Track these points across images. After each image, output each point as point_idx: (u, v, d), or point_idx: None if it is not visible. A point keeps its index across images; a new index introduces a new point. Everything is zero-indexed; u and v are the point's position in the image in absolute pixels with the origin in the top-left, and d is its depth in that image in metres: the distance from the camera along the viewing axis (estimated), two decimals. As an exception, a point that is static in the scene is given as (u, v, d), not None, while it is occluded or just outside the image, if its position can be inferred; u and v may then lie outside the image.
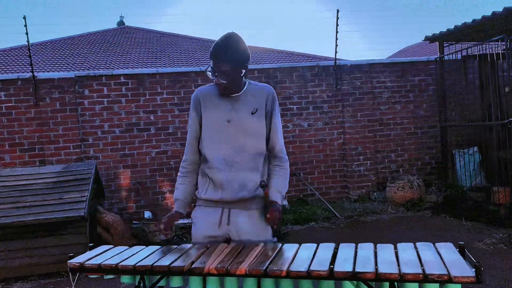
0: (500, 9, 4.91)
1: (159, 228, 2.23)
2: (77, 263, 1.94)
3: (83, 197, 4.55)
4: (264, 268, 1.73)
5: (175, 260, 1.89)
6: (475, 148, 6.30)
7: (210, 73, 2.19)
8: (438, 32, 5.99)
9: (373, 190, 6.99)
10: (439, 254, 1.76)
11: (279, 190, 2.25)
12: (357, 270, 1.63)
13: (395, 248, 1.90)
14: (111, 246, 2.19)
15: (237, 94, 2.23)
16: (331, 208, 6.22)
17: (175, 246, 2.12)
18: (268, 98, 2.26)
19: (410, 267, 1.62)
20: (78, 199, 4.53)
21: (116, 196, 6.40)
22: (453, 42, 6.12)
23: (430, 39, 6.27)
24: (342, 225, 5.82)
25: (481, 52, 5.79)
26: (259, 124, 2.24)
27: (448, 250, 1.80)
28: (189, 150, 2.34)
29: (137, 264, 1.88)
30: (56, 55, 13.48)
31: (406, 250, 1.85)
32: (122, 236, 4.66)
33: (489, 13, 5.17)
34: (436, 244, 1.92)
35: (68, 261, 1.96)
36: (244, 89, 2.25)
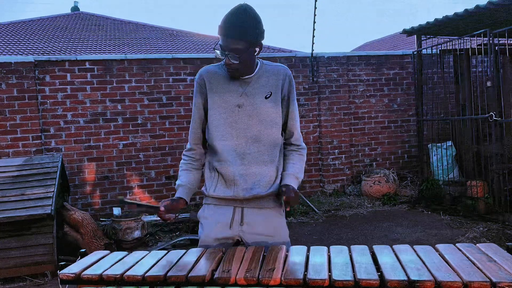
0: (484, 3, 4.90)
1: (159, 214, 1.91)
2: (71, 274, 1.62)
3: (48, 192, 4.13)
4: (302, 276, 1.50)
5: (192, 268, 1.62)
6: (449, 142, 6.34)
7: (219, 52, 1.90)
8: (417, 25, 5.94)
9: (348, 184, 6.91)
10: (491, 258, 1.59)
11: (296, 176, 2.00)
12: (412, 278, 1.42)
13: (436, 250, 1.72)
14: (107, 252, 1.88)
15: (249, 76, 1.96)
16: (309, 203, 6.07)
17: (183, 251, 1.84)
18: (284, 80, 2.00)
19: (472, 274, 1.43)
20: (43, 195, 4.11)
21: (80, 191, 5.94)
22: (430, 36, 6.09)
23: (408, 32, 6.22)
24: (321, 220, 5.69)
25: (460, 46, 5.79)
26: (274, 110, 1.97)
27: (498, 252, 1.64)
28: (193, 140, 2.05)
29: (147, 274, 1.59)
30: (6, 40, 12.55)
31: (452, 252, 1.67)
32: (93, 235, 4.27)
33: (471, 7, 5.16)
34: (478, 245, 1.76)
35: (60, 272, 1.64)
36: (256, 70, 1.98)
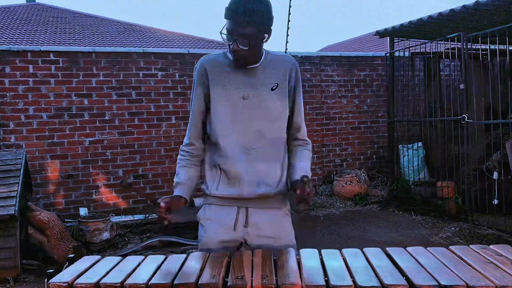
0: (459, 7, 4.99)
1: (158, 211, 1.73)
2: (63, 282, 1.44)
3: (12, 192, 3.83)
4: (324, 282, 1.39)
5: (200, 275, 1.48)
6: (419, 144, 6.45)
7: (225, 36, 1.75)
8: (390, 27, 5.99)
9: (319, 184, 6.90)
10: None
11: (306, 171, 1.87)
12: (443, 283, 1.35)
13: (452, 251, 1.66)
14: (98, 257, 1.70)
15: (254, 66, 1.83)
16: (282, 203, 5.99)
17: (183, 256, 1.69)
18: (292, 71, 1.87)
19: (502, 278, 1.38)
20: (6, 194, 3.81)
21: (42, 191, 5.59)
22: (403, 39, 6.17)
23: (381, 33, 6.27)
24: (295, 220, 5.61)
25: (432, 50, 5.90)
26: (280, 103, 1.84)
27: (516, 254, 1.60)
28: (193, 134, 1.89)
29: (150, 282, 1.43)
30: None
31: (470, 254, 1.61)
32: (61, 237, 4.00)
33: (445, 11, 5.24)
34: (491, 246, 1.72)
35: (50, 281, 1.45)
36: (262, 59, 1.84)
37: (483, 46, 5.32)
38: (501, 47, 5.46)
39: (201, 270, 1.53)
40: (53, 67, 5.59)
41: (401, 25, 5.81)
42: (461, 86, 4.87)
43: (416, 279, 1.38)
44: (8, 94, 5.39)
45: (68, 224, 4.92)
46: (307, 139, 1.97)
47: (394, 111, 6.39)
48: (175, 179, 1.88)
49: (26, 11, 15.49)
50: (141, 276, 1.49)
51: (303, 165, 1.88)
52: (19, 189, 3.84)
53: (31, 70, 5.48)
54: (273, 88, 1.83)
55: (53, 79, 5.59)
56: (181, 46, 12.67)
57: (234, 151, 1.81)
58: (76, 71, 5.70)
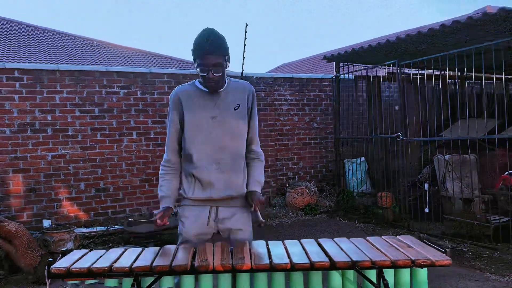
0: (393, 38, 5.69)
1: (156, 224, 2.19)
2: (63, 268, 1.81)
3: (-18, 203, 4.03)
4: (269, 262, 1.84)
5: (173, 259, 1.89)
6: (362, 158, 7.09)
7: (199, 70, 2.17)
8: (336, 53, 6.64)
9: (273, 196, 7.39)
10: (409, 245, 2.06)
11: (258, 180, 2.36)
12: (354, 259, 1.83)
13: (368, 240, 2.16)
14: (86, 250, 2.07)
15: (220, 90, 2.27)
16: (238, 214, 6.41)
17: (158, 248, 2.09)
18: (249, 94, 2.35)
19: (396, 255, 1.88)
20: (-24, 206, 4.00)
21: (4, 204, 5.73)
22: (348, 63, 6.83)
23: (328, 58, 6.91)
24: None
25: (373, 74, 6.58)
26: (241, 121, 2.30)
27: (414, 241, 2.12)
28: (171, 152, 2.34)
29: (134, 265, 1.83)
30: None
31: (380, 241, 2.12)
32: (29, 247, 4.22)
33: (382, 41, 5.94)
34: (398, 236, 2.23)
35: (52, 266, 1.81)
36: (226, 85, 2.29)
37: (417, 71, 6.04)
38: (431, 71, 6.22)
39: (173, 257, 1.94)
40: (17, 84, 5.80)
41: (346, 51, 6.46)
42: (396, 107, 5.53)
43: (336, 257, 1.86)
44: (-29, 109, 5.53)
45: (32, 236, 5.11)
46: (259, 150, 2.42)
47: (340, 128, 7.01)
48: (160, 193, 2.30)
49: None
50: (125, 261, 1.89)
51: (257, 176, 2.36)
52: (-11, 200, 4.05)
53: (-5, 87, 5.66)
54: (236, 108, 2.29)
55: (17, 95, 5.79)
56: (139, 62, 12.94)
57: (205, 163, 2.25)
58: (40, 88, 5.92)
